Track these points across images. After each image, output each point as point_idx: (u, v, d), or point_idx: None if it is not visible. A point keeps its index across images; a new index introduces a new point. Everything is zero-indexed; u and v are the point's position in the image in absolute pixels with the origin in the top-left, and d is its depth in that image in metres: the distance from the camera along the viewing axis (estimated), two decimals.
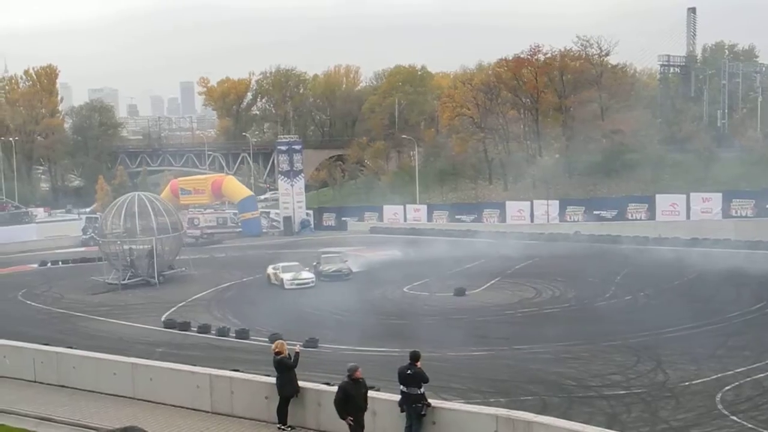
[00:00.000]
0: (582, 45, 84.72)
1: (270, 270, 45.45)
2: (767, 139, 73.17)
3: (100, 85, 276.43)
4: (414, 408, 15.47)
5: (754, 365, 24.75)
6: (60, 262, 57.29)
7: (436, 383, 21.36)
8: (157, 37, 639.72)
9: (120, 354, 23.16)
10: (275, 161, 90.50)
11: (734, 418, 20.22)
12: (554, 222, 64.92)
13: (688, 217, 59.94)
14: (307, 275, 44.09)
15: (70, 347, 24.33)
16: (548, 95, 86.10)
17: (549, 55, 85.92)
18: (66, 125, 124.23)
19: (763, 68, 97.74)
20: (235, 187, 79.30)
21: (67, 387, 20.98)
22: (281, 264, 45.39)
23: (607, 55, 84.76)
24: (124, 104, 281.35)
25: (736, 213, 58.55)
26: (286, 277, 43.51)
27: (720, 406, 21.12)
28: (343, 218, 77.87)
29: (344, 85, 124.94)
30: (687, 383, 23.38)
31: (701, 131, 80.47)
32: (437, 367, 24.07)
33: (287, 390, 17.13)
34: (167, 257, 48.84)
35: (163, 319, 36.09)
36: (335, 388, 16.02)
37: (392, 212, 75.52)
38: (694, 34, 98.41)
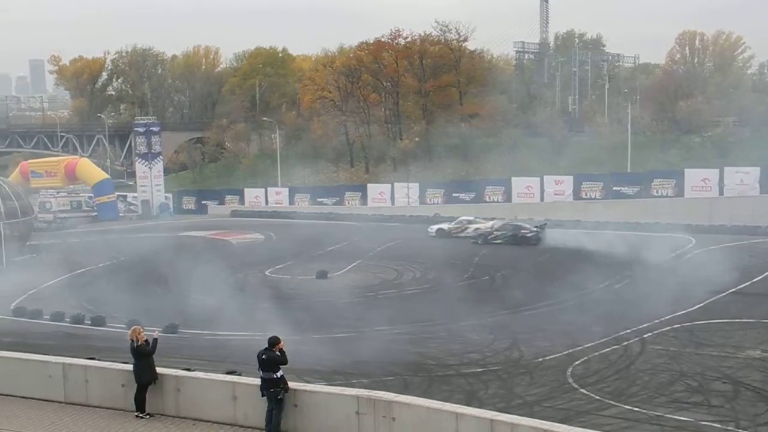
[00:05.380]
0: (441, 30, 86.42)
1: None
2: (614, 124, 76.55)
3: None
4: (272, 392, 15.53)
5: (601, 340, 25.94)
6: None
7: (300, 366, 21.36)
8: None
9: None
10: (132, 143, 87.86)
11: (583, 390, 21.13)
12: (414, 205, 65.91)
13: (542, 199, 62.15)
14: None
15: None
16: (408, 79, 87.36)
17: (409, 39, 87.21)
18: None
19: (609, 57, 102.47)
20: (90, 170, 76.52)
21: None
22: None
23: (465, 40, 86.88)
24: None
25: (586, 195, 61.14)
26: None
27: (570, 380, 22.02)
28: (204, 201, 76.62)
29: (204, 66, 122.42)
30: (540, 359, 24.26)
31: (554, 116, 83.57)
32: (301, 350, 24.05)
33: (145, 377, 16.78)
34: (17, 243, 46.73)
35: (12, 307, 34.44)
36: (195, 374, 15.70)
37: (253, 195, 74.86)
38: (547, 23, 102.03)
